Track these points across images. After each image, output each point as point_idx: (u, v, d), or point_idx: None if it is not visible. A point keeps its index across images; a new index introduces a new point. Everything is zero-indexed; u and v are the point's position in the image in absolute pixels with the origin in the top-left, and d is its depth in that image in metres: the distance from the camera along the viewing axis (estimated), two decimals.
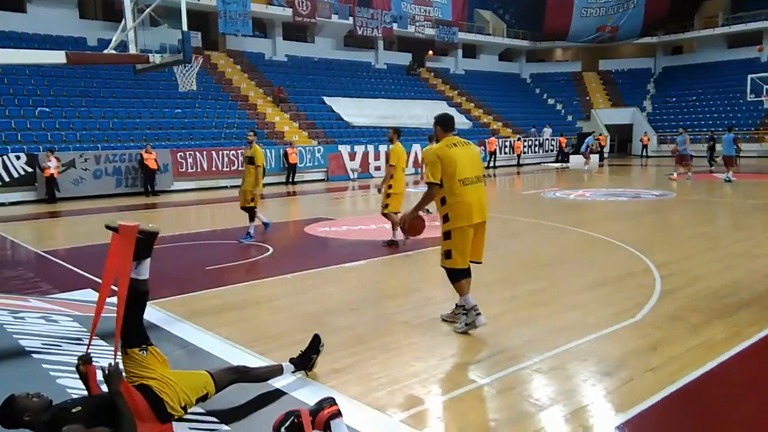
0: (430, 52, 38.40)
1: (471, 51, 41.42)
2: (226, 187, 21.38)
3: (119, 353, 3.34)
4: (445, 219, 4.88)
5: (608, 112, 39.48)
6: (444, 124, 5.08)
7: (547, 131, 34.16)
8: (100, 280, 6.96)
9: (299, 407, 2.67)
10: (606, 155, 34.20)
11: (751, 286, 6.13)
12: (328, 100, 29.76)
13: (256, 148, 9.50)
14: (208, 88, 25.99)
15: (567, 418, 3.39)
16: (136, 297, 3.43)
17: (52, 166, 17.20)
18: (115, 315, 3.32)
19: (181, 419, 3.43)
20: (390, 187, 9.05)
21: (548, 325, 5.00)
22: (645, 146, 34.92)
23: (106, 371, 3.10)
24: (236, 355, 4.48)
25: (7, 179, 17.26)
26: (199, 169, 21.07)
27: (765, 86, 24.92)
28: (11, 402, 2.99)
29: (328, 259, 8.18)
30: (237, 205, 10.17)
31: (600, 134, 34.04)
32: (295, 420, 2.32)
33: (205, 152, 21.21)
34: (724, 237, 9.10)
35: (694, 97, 38.56)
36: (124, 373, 3.42)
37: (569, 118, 39.97)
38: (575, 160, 30.42)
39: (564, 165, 31.09)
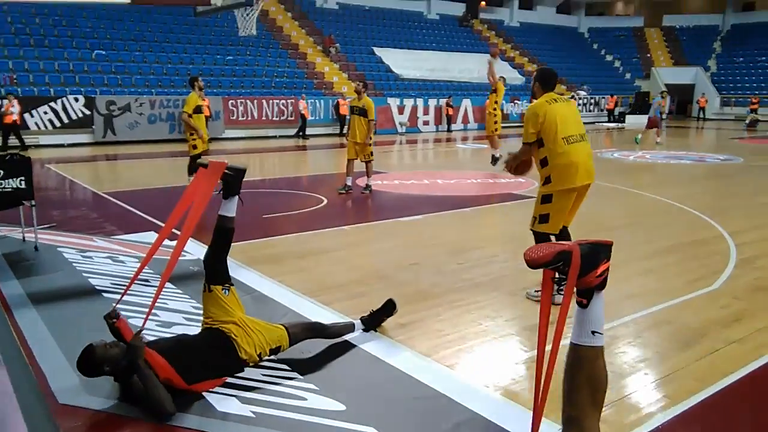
0: (483, 3, 36.99)
1: (527, 2, 39.77)
2: (275, 137, 21.45)
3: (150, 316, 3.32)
4: (547, 181, 4.44)
5: (670, 71, 37.55)
6: (544, 80, 4.58)
7: (583, 92, 32.50)
8: (161, 224, 7.14)
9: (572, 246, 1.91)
10: (666, 117, 32.74)
11: None
12: (378, 51, 29.19)
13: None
14: (259, 35, 25.74)
15: (652, 387, 3.25)
16: (224, 233, 3.45)
17: (15, 112, 15.70)
18: (169, 257, 3.25)
19: (254, 366, 3.43)
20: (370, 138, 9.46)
21: (621, 290, 4.80)
22: (702, 108, 33.29)
23: (130, 343, 2.97)
24: (301, 304, 4.48)
25: (66, 121, 17.67)
26: (249, 118, 21.14)
27: None
28: (91, 353, 3.00)
29: (384, 212, 8.10)
30: (286, 155, 10.16)
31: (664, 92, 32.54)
32: (563, 267, 1.83)
33: (256, 101, 21.21)
34: None
35: (764, 58, 36.27)
36: (205, 313, 3.43)
37: (627, 76, 38.30)
38: (632, 120, 29.23)
39: (619, 125, 29.95)
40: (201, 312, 3.55)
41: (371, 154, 9.54)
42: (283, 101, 21.89)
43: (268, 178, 11.85)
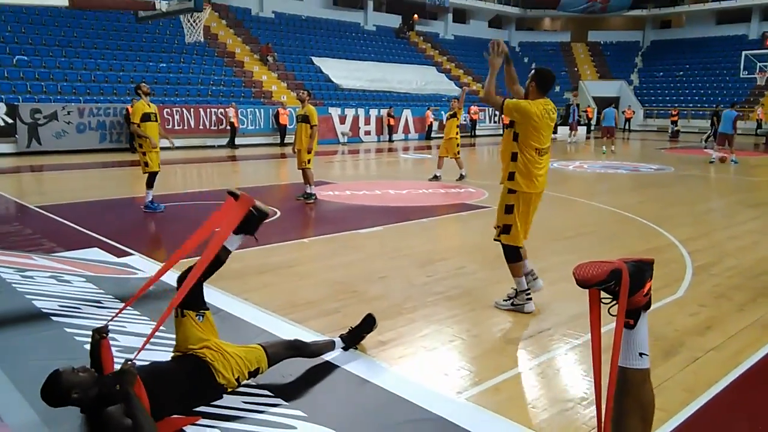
0: (416, 16, 37.35)
1: (461, 16, 40.70)
2: (213, 147, 20.81)
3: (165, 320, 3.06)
4: (510, 177, 4.38)
5: (596, 84, 39.34)
6: (543, 82, 4.34)
7: None
8: (104, 239, 6.68)
9: (621, 264, 1.81)
10: (593, 128, 34.20)
11: None
12: (317, 61, 29.00)
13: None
14: (193, 42, 24.97)
15: None
16: (217, 264, 3.26)
17: None
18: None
19: (232, 392, 3.20)
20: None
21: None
22: (628, 120, 35.00)
23: (122, 369, 2.72)
24: (274, 323, 4.24)
25: None
26: (186, 127, 20.40)
27: (759, 63, 24.95)
28: (57, 378, 2.68)
29: (342, 224, 7.91)
30: (227, 165, 9.86)
31: (588, 106, 33.98)
32: (614, 287, 1.74)
33: (192, 110, 20.51)
34: (736, 213, 9.05)
35: (681, 72, 38.60)
36: (178, 341, 3.19)
37: (557, 88, 39.67)
38: (563, 131, 30.35)
39: (552, 136, 30.95)
40: (165, 333, 3.29)
41: (309, 161, 9.43)
42: (221, 110, 21.30)
43: (212, 190, 11.40)
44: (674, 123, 30.62)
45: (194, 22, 7.66)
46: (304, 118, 9.34)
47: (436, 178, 12.44)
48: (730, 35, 38.22)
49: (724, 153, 16.65)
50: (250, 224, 3.28)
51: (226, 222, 3.16)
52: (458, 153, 12.61)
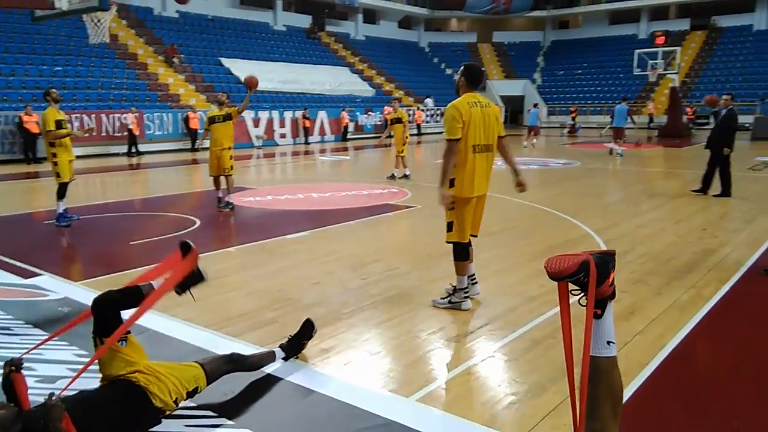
0: (323, 15, 37.10)
1: (371, 17, 40.97)
2: (117, 154, 19.72)
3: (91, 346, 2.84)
4: (451, 184, 4.45)
5: (502, 83, 40.84)
6: (471, 76, 4.44)
7: (429, 102, 34.07)
8: (7, 260, 6.13)
9: (588, 256, 1.86)
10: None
11: (685, 248, 6.52)
12: (226, 62, 28.20)
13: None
14: (91, 44, 23.53)
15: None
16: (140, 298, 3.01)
17: None
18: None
19: (172, 416, 3.01)
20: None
21: (522, 293, 4.99)
22: None
23: (46, 403, 2.50)
24: (207, 339, 4.05)
25: None
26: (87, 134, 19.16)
27: (650, 61, 26.78)
28: None
29: (267, 230, 7.71)
30: (137, 174, 9.42)
31: (496, 104, 35.14)
32: (583, 278, 1.75)
33: (93, 115, 19.33)
34: (640, 203, 9.65)
35: (580, 71, 40.82)
36: (104, 373, 2.96)
37: None
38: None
39: None
40: (87, 359, 3.05)
41: (231, 168, 9.14)
42: (125, 115, 20.21)
43: (123, 200, 10.79)
44: (573, 119, 32.26)
45: (98, 22, 7.18)
46: (226, 117, 9.01)
47: (405, 176, 12.68)
48: (622, 35, 40.89)
49: (621, 146, 17.83)
50: (188, 284, 3.18)
51: (174, 273, 3.06)
52: (403, 152, 12.82)
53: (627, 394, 3.24)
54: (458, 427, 2.97)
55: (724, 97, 10.22)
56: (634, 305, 4.68)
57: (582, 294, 1.88)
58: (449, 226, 4.58)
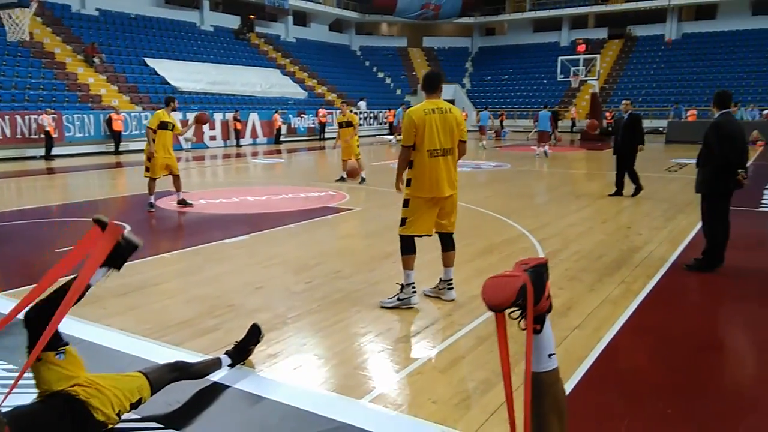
0: (251, 16, 36.49)
1: (301, 19, 40.68)
2: (34, 158, 18.63)
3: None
4: (408, 184, 4.72)
5: None
6: (426, 83, 4.67)
7: (362, 104, 34.17)
8: None
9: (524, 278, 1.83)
10: None
11: (614, 245, 6.85)
12: (151, 62, 27.21)
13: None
14: (2, 41, 22.13)
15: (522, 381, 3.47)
16: (76, 300, 2.80)
17: None
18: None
19: (115, 429, 2.88)
20: None
21: (465, 292, 5.09)
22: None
23: None
24: (147, 348, 3.90)
25: None
26: (0, 137, 18.02)
27: (573, 68, 27.98)
28: None
29: (203, 235, 7.50)
30: (56, 178, 9.02)
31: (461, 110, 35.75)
32: (521, 302, 1.71)
33: (7, 116, 18.17)
34: (569, 203, 10.06)
35: (506, 77, 42.12)
36: (38, 382, 2.79)
37: (398, 92, 41.30)
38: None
39: (398, 137, 32.11)
40: (16, 374, 2.87)
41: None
42: (42, 116, 19.10)
43: (43, 206, 10.20)
44: (501, 123, 33.22)
45: (17, 18, 6.76)
46: (170, 126, 9.21)
47: (362, 180, 12.44)
48: (545, 42, 42.53)
49: (546, 148, 18.66)
50: (118, 257, 2.94)
51: (92, 254, 2.77)
52: (359, 154, 12.66)
53: (569, 387, 3.38)
54: (411, 426, 3.00)
55: (624, 102, 10.92)
56: (571, 301, 4.88)
57: (521, 316, 1.84)
58: (402, 221, 4.76)
